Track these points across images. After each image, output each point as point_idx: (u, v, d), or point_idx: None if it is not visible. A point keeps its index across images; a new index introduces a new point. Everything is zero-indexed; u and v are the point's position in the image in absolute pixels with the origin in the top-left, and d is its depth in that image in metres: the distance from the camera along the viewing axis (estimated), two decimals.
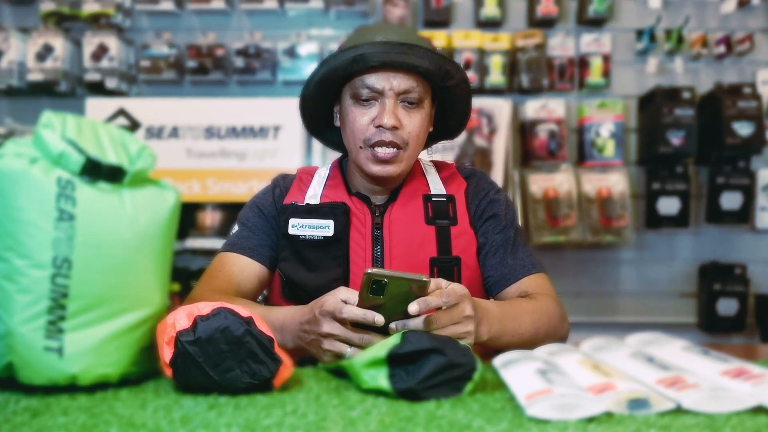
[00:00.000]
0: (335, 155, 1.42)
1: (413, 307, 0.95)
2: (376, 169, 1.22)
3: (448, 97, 1.27)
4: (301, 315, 1.05)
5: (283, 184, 1.35)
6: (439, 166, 1.38)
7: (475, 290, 1.22)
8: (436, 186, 1.32)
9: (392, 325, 0.97)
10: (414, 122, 1.22)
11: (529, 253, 1.30)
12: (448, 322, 0.98)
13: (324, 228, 1.24)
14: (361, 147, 1.22)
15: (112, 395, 0.80)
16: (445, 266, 1.24)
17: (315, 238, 1.24)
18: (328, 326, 0.99)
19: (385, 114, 1.18)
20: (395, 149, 1.21)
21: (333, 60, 1.20)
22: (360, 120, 1.21)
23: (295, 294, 1.25)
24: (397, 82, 1.19)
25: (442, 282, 1.01)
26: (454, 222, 1.28)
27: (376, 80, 1.19)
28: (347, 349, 0.98)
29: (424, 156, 1.41)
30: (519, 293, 1.24)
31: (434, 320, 0.96)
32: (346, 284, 1.21)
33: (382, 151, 1.20)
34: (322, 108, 1.31)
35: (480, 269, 1.29)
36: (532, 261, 1.29)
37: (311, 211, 1.25)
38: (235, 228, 1.33)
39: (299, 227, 1.25)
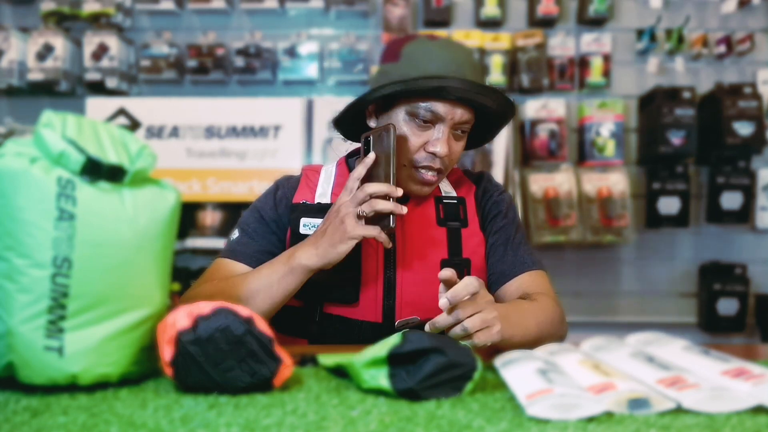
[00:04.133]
0: (335, 155, 1.42)
1: (443, 302, 0.96)
2: (416, 188, 1.25)
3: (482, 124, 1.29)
4: (321, 223, 1.17)
5: (287, 184, 1.34)
6: None
7: None
8: (447, 188, 1.34)
9: (427, 326, 0.99)
10: (458, 149, 1.25)
11: (529, 251, 1.31)
12: (475, 310, 0.99)
13: None
14: (405, 165, 1.23)
15: (112, 395, 0.80)
16: (455, 268, 1.23)
17: None
18: (360, 192, 1.11)
19: (440, 143, 1.20)
20: (438, 173, 1.24)
21: (414, 83, 1.17)
22: (412, 140, 1.22)
23: (306, 292, 1.24)
24: (459, 113, 1.20)
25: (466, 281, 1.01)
26: (465, 224, 1.29)
27: (441, 107, 1.19)
28: (389, 206, 1.10)
29: None
30: (518, 289, 1.24)
31: (461, 310, 0.97)
32: (358, 284, 1.22)
33: (429, 174, 1.23)
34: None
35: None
36: (533, 259, 1.30)
37: (323, 210, 1.25)
38: (235, 233, 1.32)
39: (311, 227, 1.25)
